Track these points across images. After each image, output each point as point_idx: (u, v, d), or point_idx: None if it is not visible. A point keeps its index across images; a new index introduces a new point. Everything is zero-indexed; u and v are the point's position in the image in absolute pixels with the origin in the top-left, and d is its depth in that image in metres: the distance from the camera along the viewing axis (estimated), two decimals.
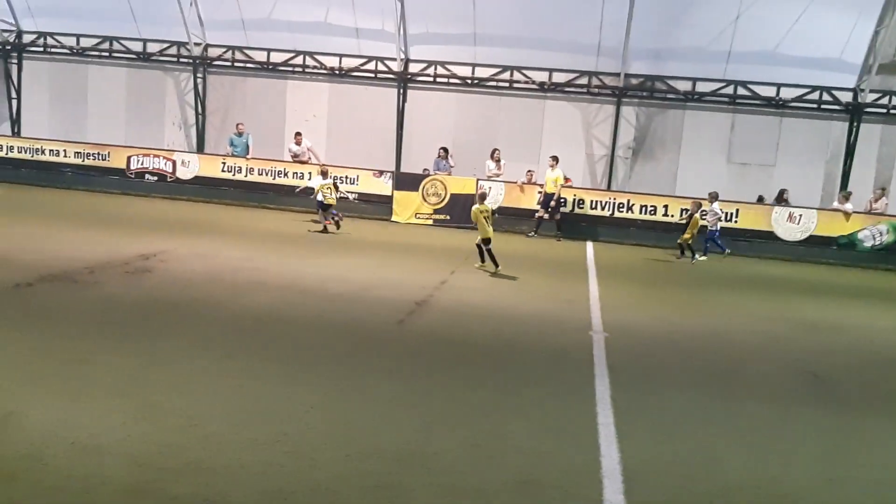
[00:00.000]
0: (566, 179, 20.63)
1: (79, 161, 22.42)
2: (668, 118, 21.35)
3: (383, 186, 20.86)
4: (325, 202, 17.86)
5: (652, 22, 19.88)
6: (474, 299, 11.79)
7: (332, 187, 18.00)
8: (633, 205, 20.12)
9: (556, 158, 19.49)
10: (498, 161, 20.38)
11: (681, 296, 13.98)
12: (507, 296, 12.34)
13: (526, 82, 21.37)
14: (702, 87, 20.75)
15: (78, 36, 22.91)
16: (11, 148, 22.82)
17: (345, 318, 9.99)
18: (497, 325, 10.29)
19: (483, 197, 14.92)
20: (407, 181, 20.57)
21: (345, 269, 13.40)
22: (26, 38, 23.28)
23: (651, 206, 19.92)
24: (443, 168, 20.95)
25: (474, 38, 21.12)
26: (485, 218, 14.19)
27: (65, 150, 22.39)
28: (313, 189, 18.10)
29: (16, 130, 23.68)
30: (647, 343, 9.99)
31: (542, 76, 21.24)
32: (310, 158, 21.65)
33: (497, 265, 14.12)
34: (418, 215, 20.50)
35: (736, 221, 19.60)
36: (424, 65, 21.66)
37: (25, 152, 22.62)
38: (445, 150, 21.06)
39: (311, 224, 18.68)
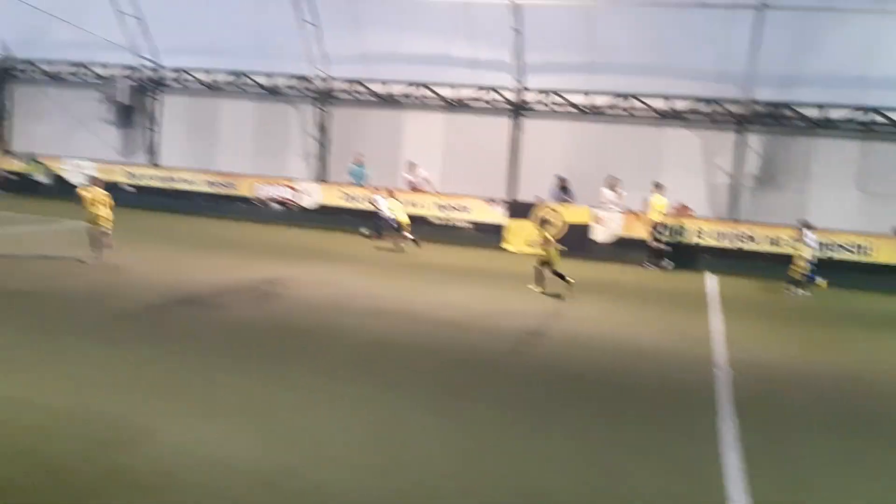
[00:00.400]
0: (686, 208, 20.05)
1: (209, 189, 23.69)
2: (795, 146, 20.44)
3: (496, 215, 20.92)
4: (397, 221, 19.18)
5: (780, 47, 19.17)
6: (589, 330, 11.60)
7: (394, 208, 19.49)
8: (755, 236, 19.32)
9: (659, 185, 19.14)
10: (616, 190, 20.08)
11: (811, 332, 13.24)
12: (624, 327, 12.06)
13: (644, 109, 21.02)
14: (832, 114, 19.78)
15: (211, 71, 24.32)
16: (150, 177, 24.42)
17: (459, 347, 10.03)
18: (614, 358, 10.07)
19: (544, 221, 15.37)
20: (520, 210, 20.55)
21: (457, 297, 13.48)
22: (165, 75, 24.90)
23: (774, 238, 19.07)
24: (558, 197, 20.82)
25: (591, 66, 20.99)
26: (545, 243, 14.45)
27: (197, 179, 23.77)
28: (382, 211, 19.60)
29: (153, 160, 25.30)
30: (776, 382, 9.51)
31: (660, 103, 20.84)
32: (425, 188, 22.02)
33: (568, 281, 14.10)
34: (531, 244, 20.41)
35: (869, 255, 18.46)
36: (540, 93, 21.69)
37: (162, 181, 24.13)
38: (562, 178, 20.93)
39: (396, 248, 18.93)
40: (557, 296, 14.02)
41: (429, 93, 22.62)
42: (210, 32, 23.32)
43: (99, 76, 25.04)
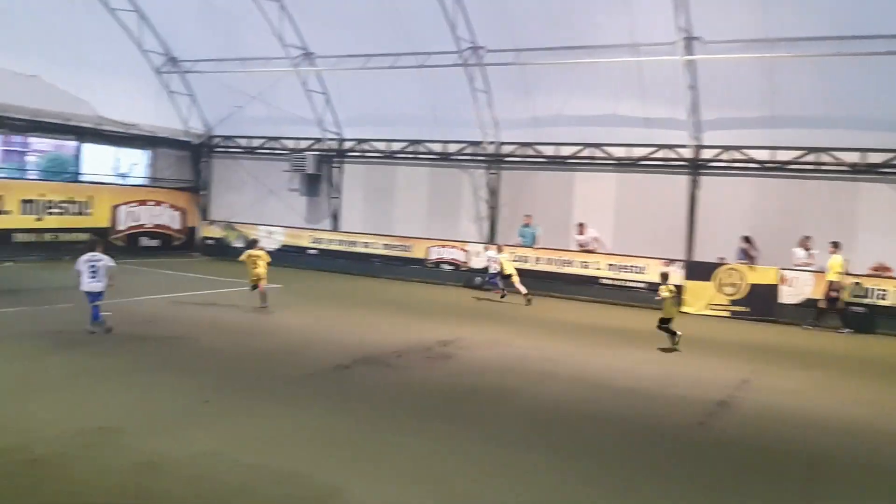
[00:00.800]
0: (886, 268, 18.40)
1: (386, 252, 24.69)
2: None
3: (673, 276, 20.17)
4: (505, 273, 19.66)
5: None
6: (783, 403, 10.75)
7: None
8: None
9: (836, 244, 17.90)
10: (808, 249, 18.81)
11: None
12: (820, 400, 11.09)
13: (834, 164, 19.68)
14: None
15: (389, 141, 25.58)
16: (332, 241, 25.85)
17: (639, 416, 9.63)
18: (812, 436, 9.25)
19: (665, 277, 15.01)
20: (699, 270, 19.70)
21: (634, 362, 13.02)
22: (347, 145, 26.48)
23: None
24: (742, 257, 19.79)
25: (773, 119, 20.02)
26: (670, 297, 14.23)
27: (375, 243, 24.87)
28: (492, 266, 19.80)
29: (335, 226, 26.79)
30: None
31: (853, 157, 19.43)
32: (596, 248, 21.71)
33: (674, 335, 14.09)
34: (712, 306, 19.46)
35: None
36: (718, 150, 20.91)
37: (343, 244, 25.44)
38: (747, 238, 19.88)
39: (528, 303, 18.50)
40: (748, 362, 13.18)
41: (599, 152, 22.46)
42: (388, 105, 24.64)
43: (288, 149, 27.02)
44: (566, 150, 22.90)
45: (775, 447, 8.64)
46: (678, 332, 14.16)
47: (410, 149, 25.32)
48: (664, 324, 14.23)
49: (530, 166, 23.75)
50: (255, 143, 27.89)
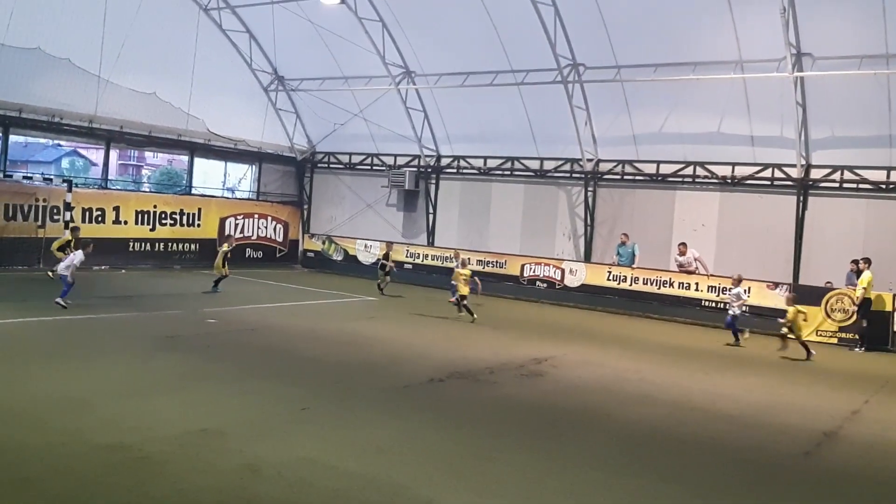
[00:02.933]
0: None
1: (480, 268, 24.71)
2: None
3: (778, 299, 19.34)
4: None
5: None
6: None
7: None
8: None
9: (867, 261, 17.93)
10: None
11: None
12: None
13: None
14: None
15: (485, 158, 25.71)
16: (427, 256, 26.13)
17: (742, 444, 9.25)
18: None
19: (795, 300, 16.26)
20: (807, 295, 18.84)
21: (737, 388, 12.54)
22: (443, 161, 26.77)
23: None
24: (852, 281, 18.81)
25: (889, 139, 19.03)
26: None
27: (469, 259, 24.93)
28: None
29: (431, 241, 27.08)
30: None
31: None
32: (697, 269, 21.10)
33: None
34: (820, 332, 18.56)
35: None
36: (828, 170, 20.02)
37: (437, 260, 25.67)
38: (867, 261, 18.70)
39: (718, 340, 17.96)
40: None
41: (702, 171, 21.89)
42: (485, 122, 24.82)
43: (387, 165, 27.54)
44: (667, 168, 22.43)
45: (887, 481, 8.14)
46: (812, 352, 15.69)
47: (506, 165, 25.37)
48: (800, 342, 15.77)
49: (629, 184, 23.37)
50: (356, 159, 28.56)
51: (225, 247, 20.46)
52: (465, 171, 26.42)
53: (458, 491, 6.99)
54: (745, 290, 18.29)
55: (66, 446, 7.30)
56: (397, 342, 14.59)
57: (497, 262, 24.43)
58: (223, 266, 19.91)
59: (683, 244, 21.36)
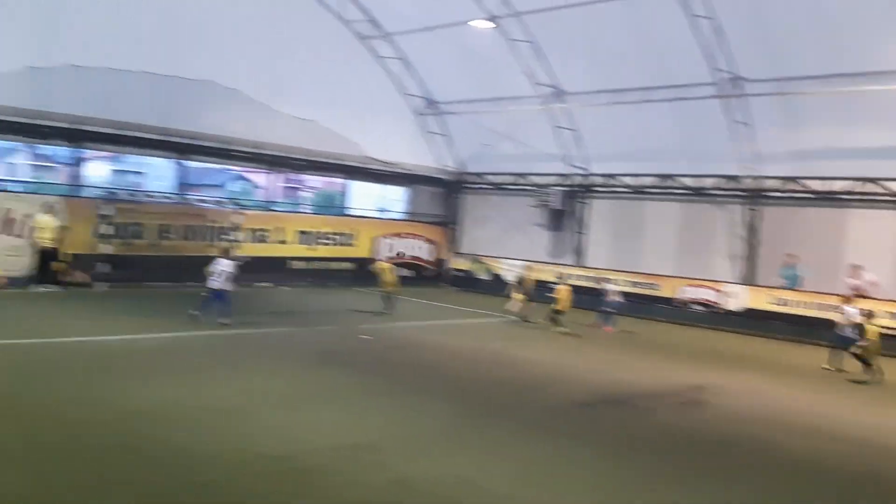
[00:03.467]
0: None
1: (632, 290, 24.02)
2: None
3: None
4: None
5: None
6: None
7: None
8: None
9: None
10: None
11: None
12: None
13: None
14: None
15: (637, 175, 25.04)
16: (575, 276, 25.71)
17: None
18: None
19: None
20: None
21: None
22: (594, 180, 26.32)
23: None
24: None
25: None
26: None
27: (620, 280, 24.32)
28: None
29: (579, 261, 26.62)
30: None
31: None
32: (871, 294, 19.42)
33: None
34: None
35: None
36: None
37: (587, 280, 25.20)
38: None
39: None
40: None
41: (878, 188, 20.22)
42: (637, 139, 24.17)
43: (535, 184, 27.44)
44: (838, 185, 20.89)
45: None
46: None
47: (660, 183, 24.57)
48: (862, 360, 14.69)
49: (795, 202, 21.96)
50: (504, 179, 28.66)
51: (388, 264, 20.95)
52: (615, 189, 25.85)
53: None
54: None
55: (235, 454, 7.70)
56: (546, 363, 14.40)
57: (649, 283, 23.64)
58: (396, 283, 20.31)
59: (857, 266, 19.76)
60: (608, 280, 21.52)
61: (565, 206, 26.45)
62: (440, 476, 7.47)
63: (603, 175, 25.94)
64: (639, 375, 13.84)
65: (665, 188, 24.52)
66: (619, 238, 25.85)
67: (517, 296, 20.70)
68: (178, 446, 7.78)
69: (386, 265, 20.92)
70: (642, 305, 22.94)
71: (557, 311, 18.81)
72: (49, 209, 19.59)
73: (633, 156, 24.69)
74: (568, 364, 14.60)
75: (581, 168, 26.17)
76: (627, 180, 25.34)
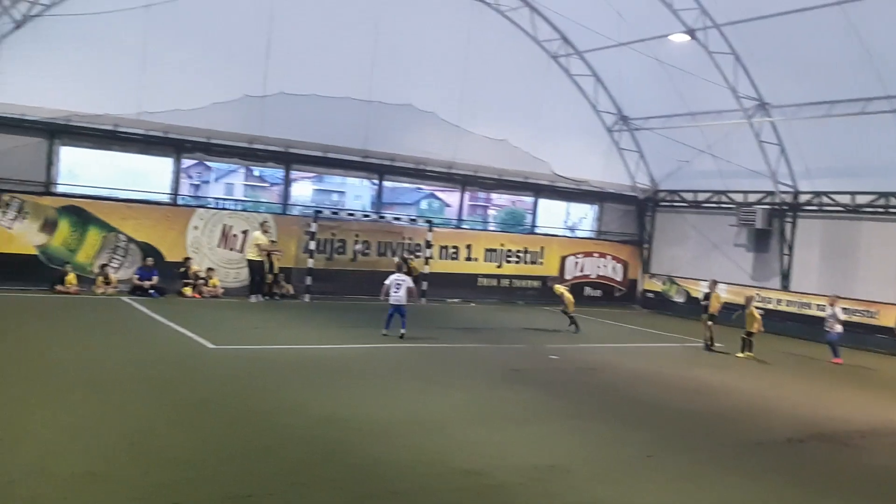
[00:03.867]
0: None
1: (844, 317, 22.06)
2: None
3: None
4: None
5: None
6: None
7: None
8: None
9: None
10: None
11: None
12: None
13: None
14: None
15: (853, 193, 22.97)
16: (780, 301, 24.03)
17: None
18: None
19: None
20: None
21: None
22: (802, 198, 24.47)
23: None
24: None
25: None
26: None
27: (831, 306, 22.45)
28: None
29: (785, 285, 24.83)
30: None
31: None
32: None
33: None
34: None
35: None
36: None
37: (793, 305, 23.47)
38: None
39: None
40: None
41: None
42: (852, 154, 22.21)
43: (736, 202, 25.99)
44: None
45: None
46: None
47: (880, 202, 22.40)
48: None
49: None
50: (701, 196, 27.42)
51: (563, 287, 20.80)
52: (827, 207, 23.87)
53: None
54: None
55: (429, 466, 7.87)
56: (748, 393, 13.51)
57: (867, 311, 21.59)
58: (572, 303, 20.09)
59: None
60: (832, 306, 19.05)
61: (770, 225, 24.82)
62: None
63: (812, 193, 24.10)
64: (855, 411, 12.66)
65: (885, 207, 22.34)
66: (829, 260, 23.85)
67: (705, 318, 19.48)
68: (374, 455, 8.06)
69: (561, 287, 20.71)
70: (857, 335, 20.95)
71: (749, 335, 17.67)
72: (262, 226, 21.26)
73: (847, 172, 22.74)
74: (775, 395, 13.60)
75: (788, 185, 24.46)
76: (841, 199, 23.35)
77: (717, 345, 18.55)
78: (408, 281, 16.03)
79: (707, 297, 19.70)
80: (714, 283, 19.91)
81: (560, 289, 20.40)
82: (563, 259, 27.76)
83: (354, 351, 14.53)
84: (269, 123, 21.65)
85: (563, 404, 11.45)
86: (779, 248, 25.02)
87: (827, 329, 18.69)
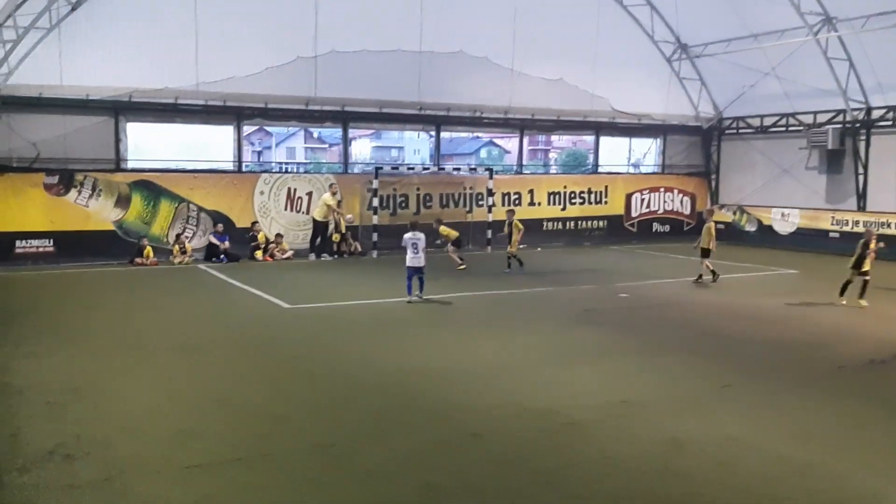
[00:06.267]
0: None
1: None
2: None
3: None
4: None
5: None
6: None
7: None
8: None
9: None
10: None
11: None
12: None
13: None
14: None
15: None
16: (856, 223, 23.23)
17: None
18: None
19: None
20: None
21: None
22: (875, 114, 23.38)
23: None
24: None
25: None
26: None
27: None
28: None
29: (862, 206, 23.94)
30: None
31: None
32: None
33: None
34: None
35: None
36: None
37: (871, 226, 22.67)
38: None
39: None
40: None
41: None
42: None
43: (805, 124, 25.04)
44: None
45: None
46: None
47: None
48: None
49: None
50: (768, 121, 26.48)
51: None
52: None
53: None
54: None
55: (504, 408, 8.03)
56: (824, 320, 13.24)
57: None
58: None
59: None
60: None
61: (842, 145, 23.85)
62: (713, 436, 7.21)
63: (886, 107, 23.03)
64: None
65: None
66: None
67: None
68: (451, 401, 8.27)
69: (446, 228, 19.24)
70: None
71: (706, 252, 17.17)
72: (330, 188, 21.57)
73: None
74: (853, 320, 13.26)
75: (859, 101, 23.41)
76: None
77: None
78: (423, 240, 14.28)
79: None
80: (710, 212, 19.35)
81: (445, 230, 19.16)
82: (629, 196, 27.34)
83: (424, 303, 14.71)
84: (323, 83, 21.75)
85: (635, 341, 11.45)
86: (853, 168, 24.08)
87: None
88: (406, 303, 14.14)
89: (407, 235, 14.40)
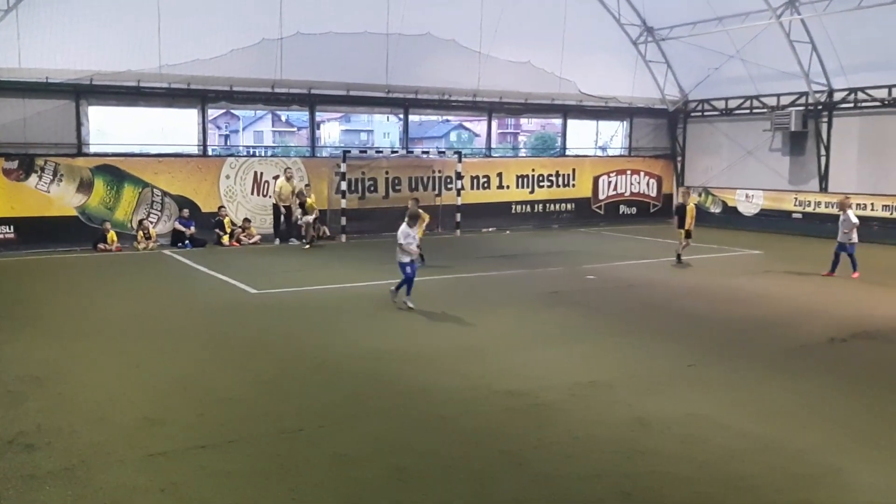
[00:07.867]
0: None
1: (886, 214, 21.74)
2: None
3: None
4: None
5: None
6: None
7: None
8: None
9: None
10: None
11: None
12: None
13: None
14: None
15: (890, 87, 22.22)
16: (818, 203, 23.64)
17: None
18: None
19: None
20: None
21: None
22: (837, 96, 23.75)
23: None
24: None
25: None
26: None
27: (872, 204, 22.05)
28: None
29: (823, 187, 24.34)
30: None
31: None
32: None
33: None
34: None
35: None
36: None
37: (833, 207, 23.02)
38: None
39: None
40: None
41: None
42: (889, 47, 21.41)
43: (769, 106, 25.36)
44: None
45: None
46: None
47: None
48: None
49: None
50: (732, 104, 26.78)
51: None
52: (864, 104, 23.18)
53: (872, 462, 6.26)
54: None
55: (473, 390, 8.06)
56: (788, 299, 13.47)
57: None
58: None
59: None
60: (845, 210, 15.76)
61: (805, 127, 24.21)
62: (678, 414, 7.32)
63: (848, 89, 23.40)
64: (895, 309, 12.57)
65: None
66: (868, 158, 23.31)
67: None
68: (420, 384, 8.28)
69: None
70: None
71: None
72: (284, 172, 21.36)
73: (882, 66, 22.04)
74: (816, 299, 13.51)
75: (821, 84, 23.75)
76: (877, 93, 22.65)
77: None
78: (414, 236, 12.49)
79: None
80: (686, 193, 19.93)
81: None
82: (596, 179, 27.53)
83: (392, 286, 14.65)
84: (289, 66, 21.49)
85: (601, 322, 11.56)
86: (815, 150, 24.47)
87: (843, 240, 15.57)
88: (407, 306, 12.34)
89: (401, 233, 12.19)
